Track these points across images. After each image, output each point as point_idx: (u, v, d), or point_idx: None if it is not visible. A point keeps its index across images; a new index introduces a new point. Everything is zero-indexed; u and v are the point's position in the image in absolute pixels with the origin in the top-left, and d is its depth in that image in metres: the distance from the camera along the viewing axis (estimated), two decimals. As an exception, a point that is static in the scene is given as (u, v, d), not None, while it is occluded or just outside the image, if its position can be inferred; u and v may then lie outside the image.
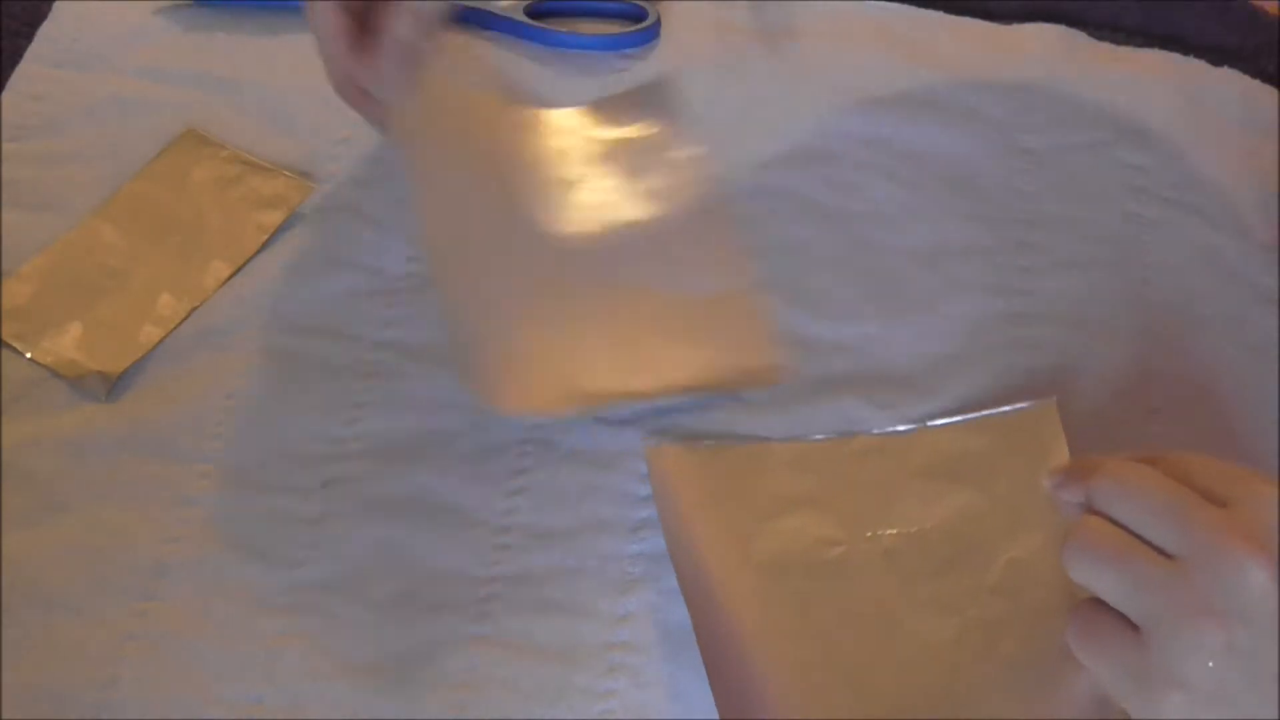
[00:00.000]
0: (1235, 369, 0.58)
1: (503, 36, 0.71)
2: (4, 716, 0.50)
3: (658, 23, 0.70)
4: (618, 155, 0.64)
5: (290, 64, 0.69)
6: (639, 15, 0.71)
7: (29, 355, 0.58)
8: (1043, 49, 0.69)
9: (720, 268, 0.60)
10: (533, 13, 0.71)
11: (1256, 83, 0.69)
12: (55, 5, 0.71)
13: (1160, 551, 0.42)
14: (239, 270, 0.62)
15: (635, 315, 0.59)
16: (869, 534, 0.53)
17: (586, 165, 0.64)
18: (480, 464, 0.56)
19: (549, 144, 0.64)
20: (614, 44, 0.70)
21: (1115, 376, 0.58)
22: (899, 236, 0.63)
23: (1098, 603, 0.43)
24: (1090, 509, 0.44)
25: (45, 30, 0.70)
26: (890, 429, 0.56)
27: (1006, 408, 0.55)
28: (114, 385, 0.58)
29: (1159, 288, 0.61)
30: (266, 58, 0.69)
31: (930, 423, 0.56)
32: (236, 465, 0.56)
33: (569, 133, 0.65)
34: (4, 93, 0.67)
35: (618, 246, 0.61)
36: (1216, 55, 0.69)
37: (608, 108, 0.66)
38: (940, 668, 0.49)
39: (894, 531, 0.53)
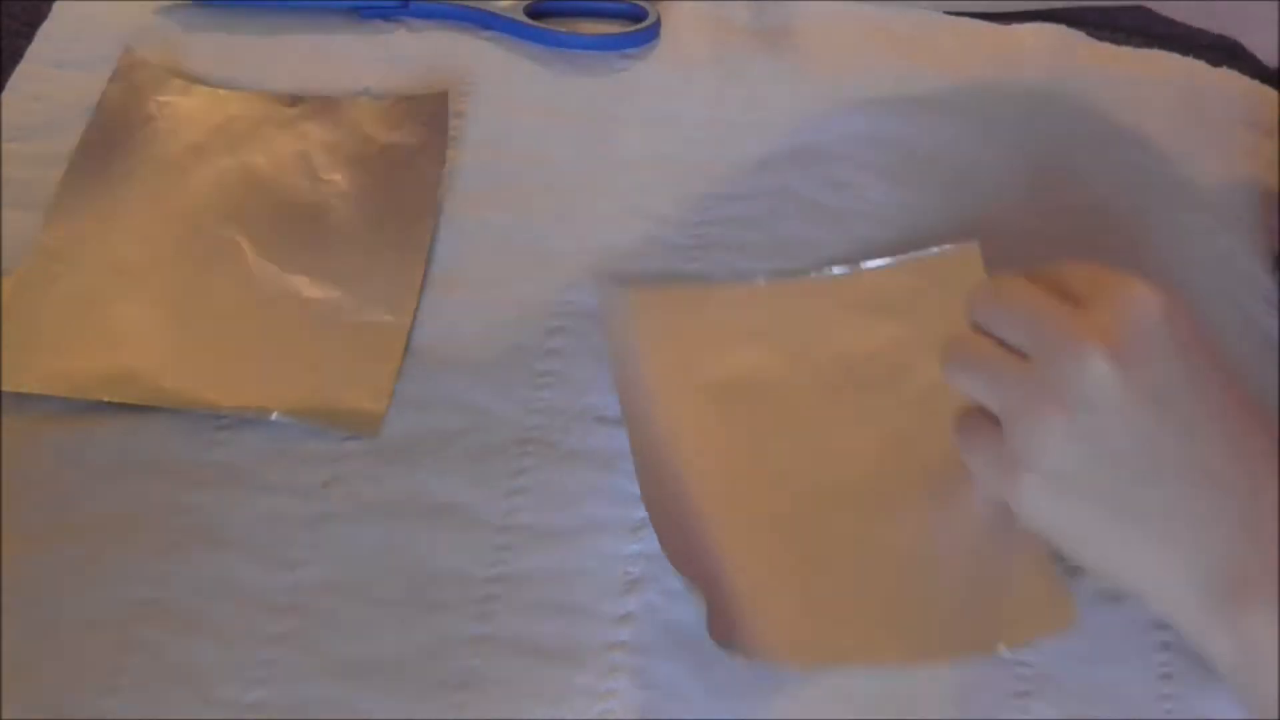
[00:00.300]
0: (1235, 369, 0.58)
1: (503, 36, 0.71)
2: (6, 717, 0.50)
3: (658, 23, 0.70)
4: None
5: (290, 64, 0.69)
6: (639, 15, 0.71)
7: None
8: (1043, 49, 0.69)
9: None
10: (532, 13, 0.71)
11: (1256, 83, 0.69)
12: (55, 5, 0.71)
13: (1021, 353, 0.47)
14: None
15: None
16: (805, 361, 0.58)
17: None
18: (480, 464, 0.56)
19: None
20: (614, 44, 0.70)
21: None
22: (899, 236, 0.63)
23: (975, 407, 0.49)
24: (973, 324, 0.49)
25: (45, 30, 0.70)
26: (828, 271, 0.60)
27: (934, 249, 0.60)
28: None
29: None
30: (266, 58, 0.69)
31: (865, 264, 0.60)
32: (237, 464, 0.56)
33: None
34: (4, 93, 0.67)
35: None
36: (1216, 55, 0.69)
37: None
38: (860, 472, 0.55)
39: (827, 358, 0.58)
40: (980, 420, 0.48)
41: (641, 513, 0.55)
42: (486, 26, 0.71)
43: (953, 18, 0.71)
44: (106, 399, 0.57)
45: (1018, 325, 0.48)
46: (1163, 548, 0.45)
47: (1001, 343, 0.48)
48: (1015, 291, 0.48)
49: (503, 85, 0.69)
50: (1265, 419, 0.47)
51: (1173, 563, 0.45)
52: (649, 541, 0.54)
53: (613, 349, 0.58)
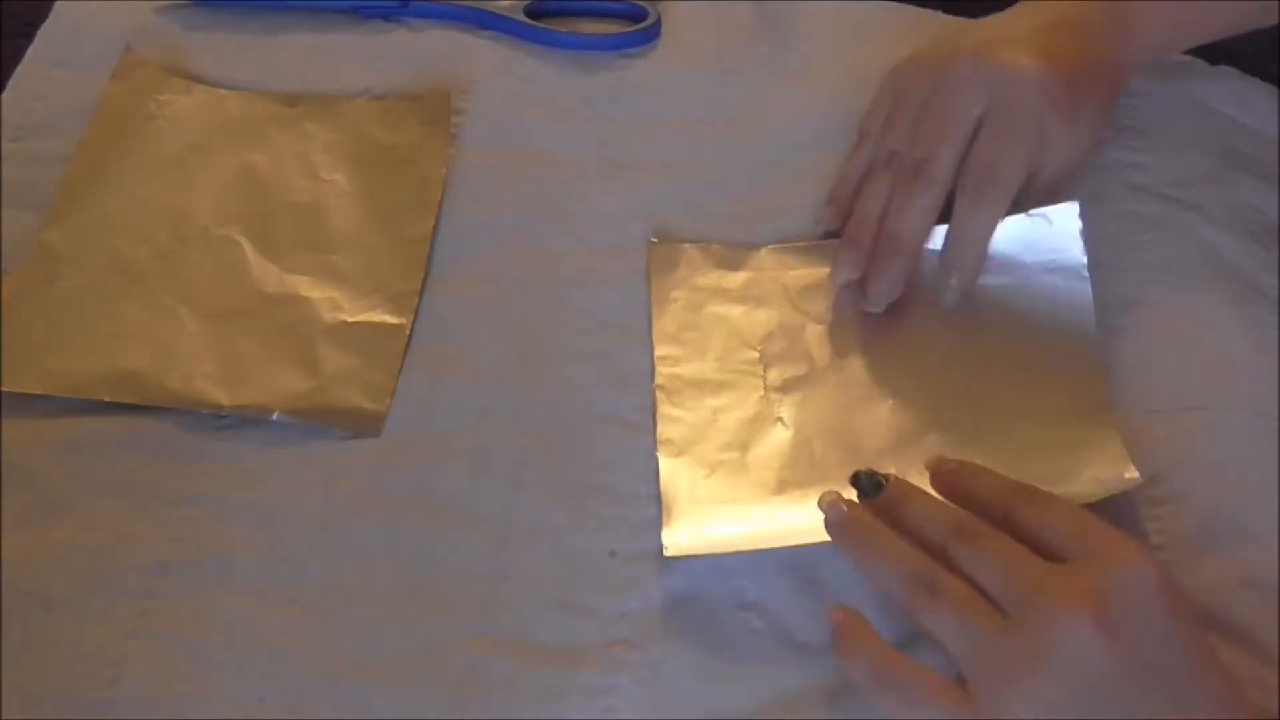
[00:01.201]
0: (1235, 369, 0.58)
1: (503, 36, 0.71)
2: (6, 716, 0.50)
3: (658, 22, 0.70)
4: None
5: (291, 64, 0.69)
6: (639, 15, 0.71)
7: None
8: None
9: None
10: (532, 12, 0.71)
11: (1256, 82, 0.68)
12: (55, 5, 0.71)
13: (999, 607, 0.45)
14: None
15: None
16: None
17: None
18: (481, 463, 0.56)
19: None
20: (614, 44, 0.70)
21: (1114, 376, 0.58)
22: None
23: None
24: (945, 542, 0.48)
25: (46, 30, 0.70)
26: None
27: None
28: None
29: (1160, 286, 0.61)
30: (266, 58, 0.69)
31: None
32: (237, 464, 0.56)
33: None
34: (4, 93, 0.67)
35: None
36: (1216, 55, 0.69)
37: None
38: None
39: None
40: (936, 684, 0.46)
41: (643, 511, 0.55)
42: (486, 26, 0.71)
43: (953, 17, 0.71)
44: (107, 398, 0.57)
45: (994, 573, 0.46)
46: None
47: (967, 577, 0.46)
48: (993, 539, 0.47)
49: (503, 85, 0.69)
50: (1237, 686, 0.45)
51: None
52: (650, 540, 0.54)
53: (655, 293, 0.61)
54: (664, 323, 0.60)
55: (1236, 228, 0.63)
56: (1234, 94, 0.68)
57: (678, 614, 0.52)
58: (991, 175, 0.58)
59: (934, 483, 0.51)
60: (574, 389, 0.58)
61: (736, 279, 0.61)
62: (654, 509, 0.55)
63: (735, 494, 0.55)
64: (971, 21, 0.62)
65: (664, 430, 0.57)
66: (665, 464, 0.56)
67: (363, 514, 0.55)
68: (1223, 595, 0.52)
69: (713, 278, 0.61)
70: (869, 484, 0.51)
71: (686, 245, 0.62)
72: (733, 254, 0.62)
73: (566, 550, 0.54)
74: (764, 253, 0.62)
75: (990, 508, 0.49)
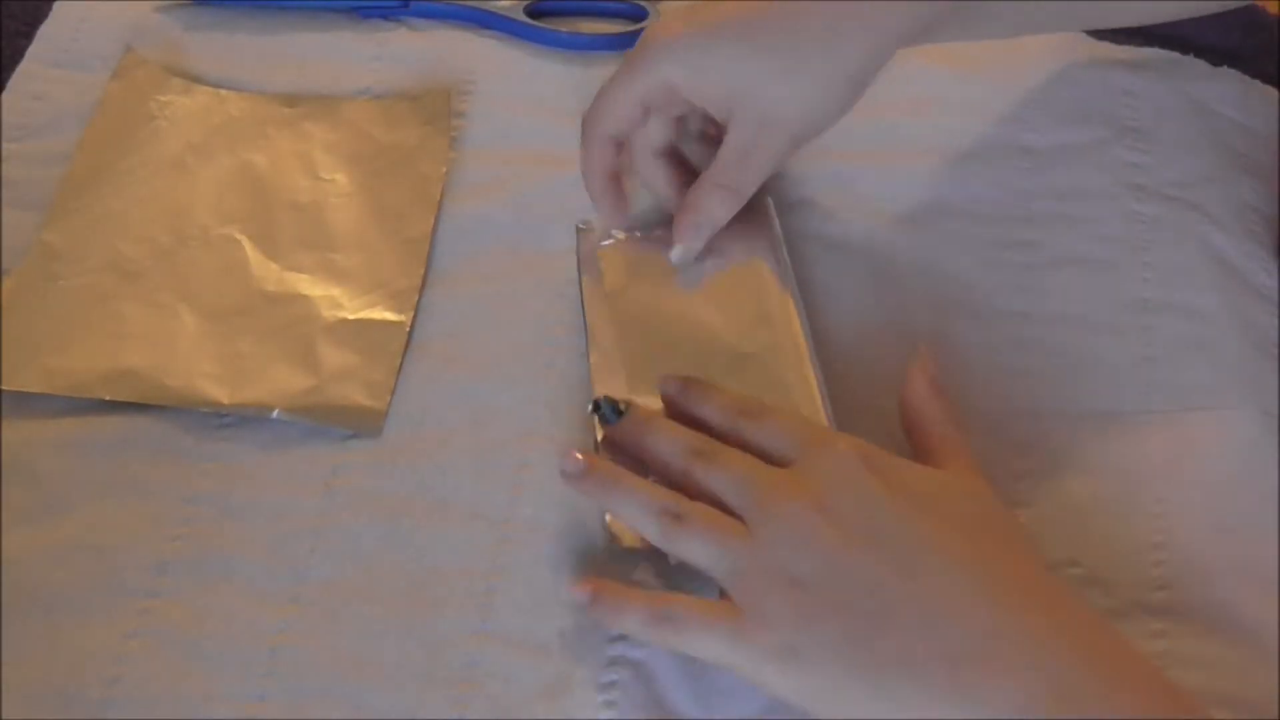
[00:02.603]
0: (1235, 369, 0.58)
1: (503, 36, 0.71)
2: (6, 716, 0.50)
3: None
4: None
5: (291, 64, 0.69)
6: (639, 15, 0.71)
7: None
8: (1043, 48, 0.69)
9: None
10: (533, 12, 0.71)
11: (1256, 82, 0.69)
12: (55, 5, 0.71)
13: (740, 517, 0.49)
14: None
15: None
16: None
17: None
18: (482, 461, 0.56)
19: None
20: (615, 44, 0.70)
21: (1114, 375, 0.58)
22: (898, 234, 0.63)
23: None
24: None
25: (45, 30, 0.70)
26: None
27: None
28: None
29: (1159, 287, 0.61)
30: (266, 58, 0.69)
31: None
32: (238, 463, 0.56)
33: None
34: (4, 93, 0.67)
35: None
36: (1216, 55, 0.69)
37: None
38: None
39: None
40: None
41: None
42: (487, 26, 0.71)
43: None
44: (107, 397, 0.57)
45: (730, 487, 0.50)
46: (903, 701, 0.45)
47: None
48: (725, 456, 0.51)
49: (503, 85, 0.69)
50: (1003, 543, 0.49)
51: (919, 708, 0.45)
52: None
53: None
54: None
55: (1236, 228, 0.63)
56: (1234, 94, 0.68)
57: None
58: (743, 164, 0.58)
59: (666, 408, 0.55)
60: (574, 387, 0.58)
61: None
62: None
63: None
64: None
65: None
66: None
67: (363, 512, 0.55)
68: (1223, 593, 0.52)
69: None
70: (609, 410, 0.54)
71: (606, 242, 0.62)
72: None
73: (567, 549, 0.54)
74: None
75: (721, 427, 0.53)
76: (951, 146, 0.66)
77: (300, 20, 0.71)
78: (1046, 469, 0.56)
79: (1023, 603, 0.46)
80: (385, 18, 0.71)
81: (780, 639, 0.46)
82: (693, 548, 0.49)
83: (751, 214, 0.61)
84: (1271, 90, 0.68)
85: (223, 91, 0.68)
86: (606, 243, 0.62)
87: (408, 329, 0.60)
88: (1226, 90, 0.68)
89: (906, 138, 0.66)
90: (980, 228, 0.63)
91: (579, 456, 0.52)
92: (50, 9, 0.71)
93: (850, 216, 0.63)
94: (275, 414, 0.57)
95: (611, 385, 0.57)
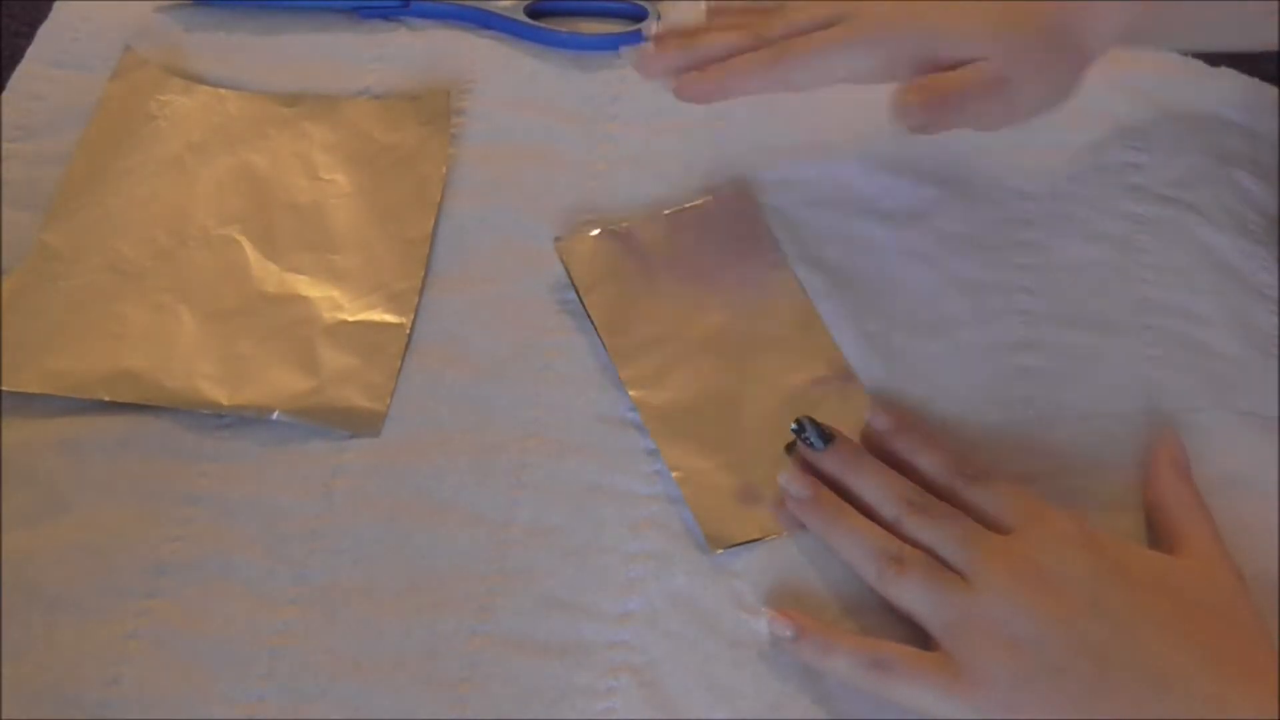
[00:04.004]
0: (1235, 369, 0.58)
1: (503, 36, 0.71)
2: (6, 716, 0.50)
3: (658, 22, 0.70)
4: None
5: (290, 64, 0.69)
6: (639, 15, 0.71)
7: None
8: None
9: None
10: (533, 12, 0.71)
11: (1256, 82, 0.68)
12: (55, 5, 0.71)
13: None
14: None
15: None
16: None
17: None
18: (482, 462, 0.56)
19: None
20: (615, 44, 0.70)
21: (1113, 375, 0.58)
22: (897, 234, 0.63)
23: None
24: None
25: (45, 30, 0.70)
26: None
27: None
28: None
29: (1159, 287, 0.61)
30: (266, 58, 0.69)
31: None
32: (237, 464, 0.56)
33: None
34: (4, 93, 0.67)
35: None
36: (1216, 56, 0.69)
37: None
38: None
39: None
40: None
41: (643, 511, 0.55)
42: (487, 26, 0.71)
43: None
44: (107, 398, 0.57)
45: (948, 544, 0.50)
46: None
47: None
48: (943, 514, 0.51)
49: (503, 85, 0.69)
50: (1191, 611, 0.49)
51: None
52: (650, 540, 0.54)
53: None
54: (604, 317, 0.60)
55: (1236, 228, 0.63)
56: (1233, 94, 0.68)
57: (678, 614, 0.52)
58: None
59: (867, 439, 0.55)
60: (574, 387, 0.58)
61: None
62: (653, 508, 0.55)
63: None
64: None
65: (669, 459, 0.56)
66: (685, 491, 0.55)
67: (363, 513, 0.55)
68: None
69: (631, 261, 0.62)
70: (814, 434, 0.54)
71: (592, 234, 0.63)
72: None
73: (566, 550, 0.54)
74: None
75: (936, 481, 0.53)
76: (950, 147, 0.66)
77: (300, 20, 0.71)
78: (1047, 469, 0.56)
79: (1246, 673, 0.47)
80: (385, 18, 0.71)
81: (997, 697, 0.47)
82: (911, 595, 0.50)
83: (739, 206, 0.62)
84: (1271, 90, 0.68)
85: (222, 91, 0.68)
86: (588, 235, 0.62)
87: (407, 331, 0.60)
88: (1225, 90, 0.68)
89: (905, 137, 0.66)
90: (979, 228, 0.63)
91: (805, 481, 0.53)
92: (50, 9, 0.71)
93: (848, 215, 0.63)
94: (275, 415, 0.57)
95: (633, 372, 0.58)
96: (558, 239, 0.62)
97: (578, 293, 0.60)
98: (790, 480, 0.53)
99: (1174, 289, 0.61)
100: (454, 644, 0.52)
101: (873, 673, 0.49)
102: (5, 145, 0.65)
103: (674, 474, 0.55)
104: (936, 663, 0.48)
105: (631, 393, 0.57)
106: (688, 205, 0.63)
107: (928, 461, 0.54)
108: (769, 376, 0.58)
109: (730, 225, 0.63)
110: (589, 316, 0.60)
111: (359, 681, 0.51)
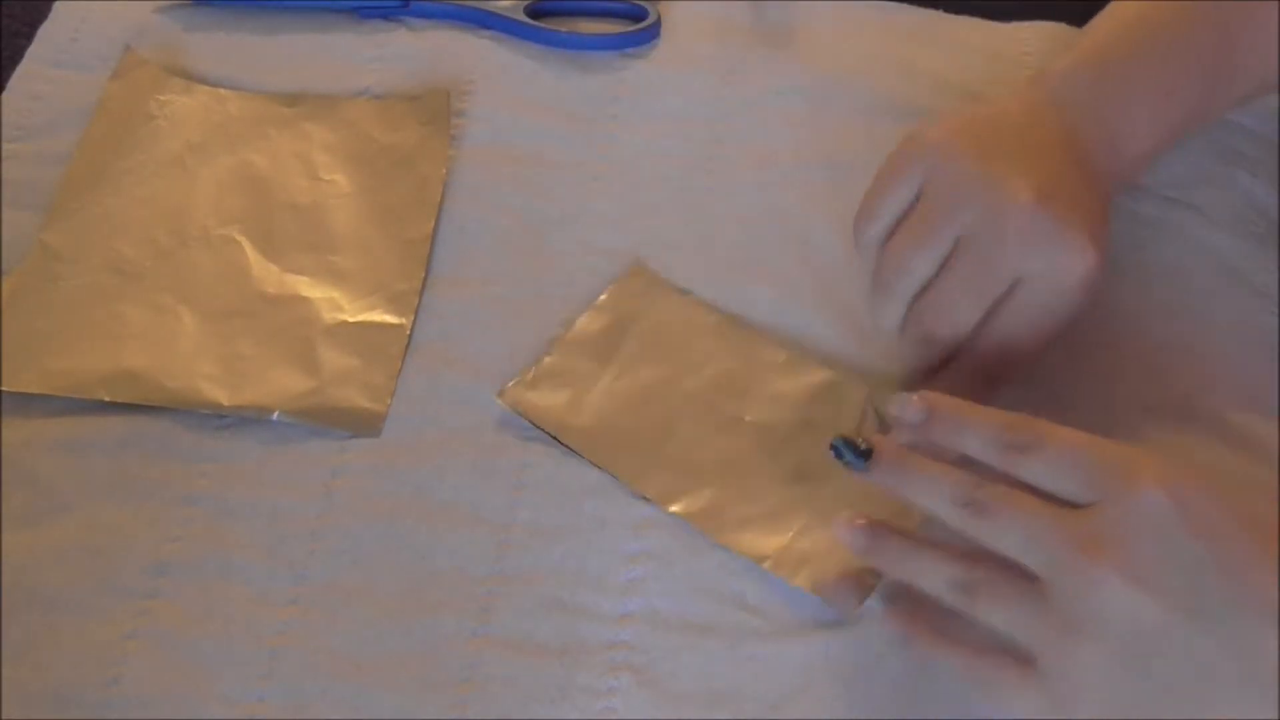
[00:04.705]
0: (1235, 369, 0.58)
1: (503, 36, 0.71)
2: (6, 716, 0.50)
3: (658, 22, 0.70)
4: None
5: (290, 64, 0.69)
6: (639, 15, 0.71)
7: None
8: (1043, 48, 0.69)
9: None
10: (533, 12, 0.71)
11: (1256, 83, 0.68)
12: (55, 5, 0.71)
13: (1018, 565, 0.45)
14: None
15: None
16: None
17: None
18: (482, 463, 0.56)
19: None
20: (615, 44, 0.70)
21: (1114, 376, 0.58)
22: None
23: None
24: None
25: (45, 30, 0.70)
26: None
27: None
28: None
29: (1159, 287, 0.61)
30: (266, 58, 0.69)
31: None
32: (237, 464, 0.56)
33: None
34: (4, 93, 0.67)
35: None
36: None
37: None
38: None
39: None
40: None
41: (643, 511, 0.55)
42: (487, 26, 0.71)
43: (953, 16, 0.71)
44: (107, 398, 0.57)
45: (1018, 544, 0.45)
46: None
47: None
48: (1006, 508, 0.45)
49: (503, 85, 0.69)
50: None
51: None
52: (650, 540, 0.54)
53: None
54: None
55: (1236, 228, 0.63)
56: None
57: (678, 615, 0.52)
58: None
59: (904, 432, 0.50)
60: (574, 389, 0.58)
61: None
62: (653, 509, 0.55)
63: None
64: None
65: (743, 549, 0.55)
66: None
67: (363, 514, 0.55)
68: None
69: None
70: (849, 453, 0.49)
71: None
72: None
73: (566, 550, 0.54)
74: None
75: (989, 464, 0.47)
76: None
77: (300, 20, 0.71)
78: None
79: None
80: (385, 18, 0.71)
81: (1098, 712, 0.44)
82: (993, 619, 0.46)
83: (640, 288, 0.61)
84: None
85: (222, 91, 0.68)
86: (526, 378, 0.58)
87: (408, 332, 0.60)
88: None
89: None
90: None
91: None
92: (50, 9, 0.71)
93: (847, 219, 0.63)
94: (275, 416, 0.57)
95: (657, 487, 0.56)
96: (499, 393, 0.58)
97: (551, 435, 0.57)
98: (848, 529, 0.49)
99: (1174, 289, 0.61)
100: (454, 644, 0.52)
101: (972, 680, 0.47)
102: (5, 145, 0.65)
103: (763, 564, 0.53)
104: (1033, 676, 0.45)
105: (673, 509, 0.55)
106: (592, 305, 0.61)
107: (972, 440, 0.47)
108: (763, 404, 0.57)
109: (640, 305, 0.61)
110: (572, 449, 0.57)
111: (359, 681, 0.51)
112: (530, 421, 0.57)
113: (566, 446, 0.56)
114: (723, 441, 0.57)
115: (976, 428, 0.47)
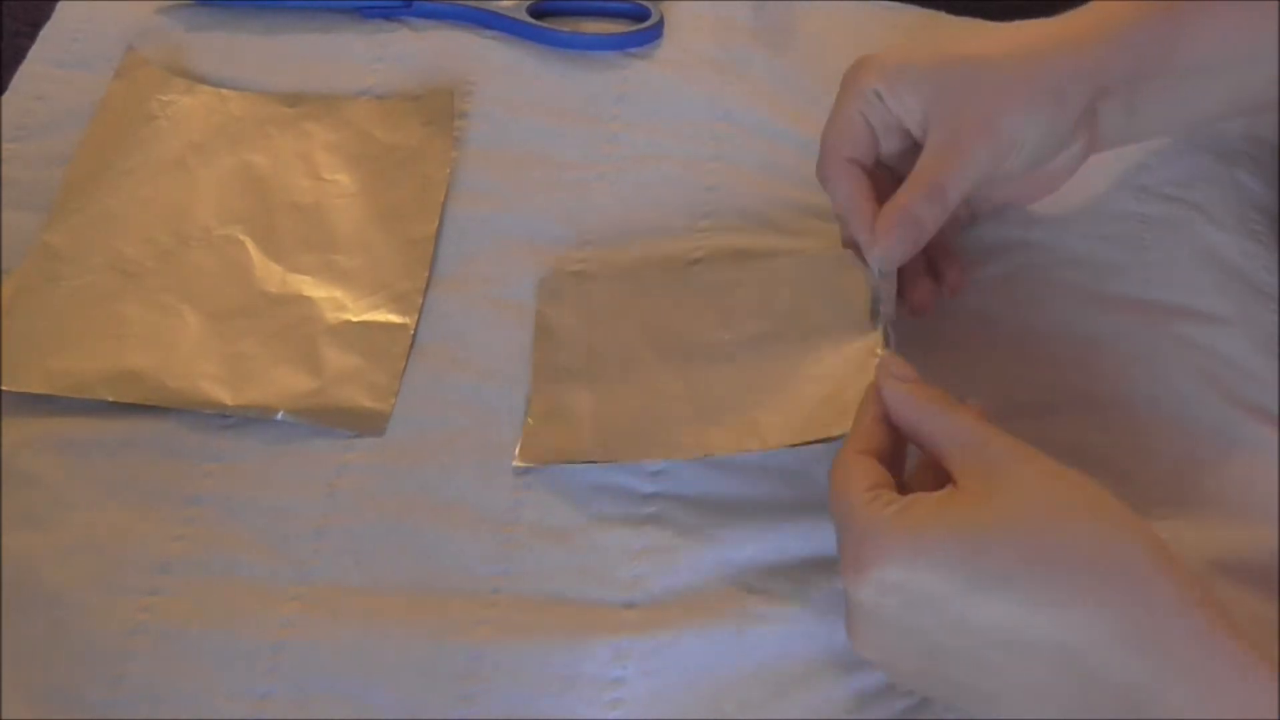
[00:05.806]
0: (1236, 367, 0.58)
1: (505, 36, 0.71)
2: (10, 715, 0.50)
3: (661, 22, 0.71)
4: None
5: (293, 64, 0.69)
6: (642, 15, 0.71)
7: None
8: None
9: None
10: (535, 12, 0.71)
11: (1257, 82, 0.69)
12: (57, 6, 0.71)
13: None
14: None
15: None
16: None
17: None
18: (486, 461, 0.56)
19: None
20: (617, 43, 0.70)
21: (1115, 375, 0.58)
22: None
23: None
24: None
25: (47, 31, 0.70)
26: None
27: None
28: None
29: (1160, 287, 0.61)
30: (268, 58, 0.70)
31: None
32: (241, 463, 0.56)
33: None
34: (6, 93, 0.67)
35: None
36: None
37: None
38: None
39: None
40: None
41: (647, 508, 0.55)
42: (489, 26, 0.71)
43: (953, 16, 0.71)
44: (110, 398, 0.57)
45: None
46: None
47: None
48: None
49: (506, 85, 0.69)
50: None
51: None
52: (654, 536, 0.54)
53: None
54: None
55: (1236, 228, 0.63)
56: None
57: (683, 608, 0.52)
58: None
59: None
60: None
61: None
62: (658, 505, 0.55)
63: None
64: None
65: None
66: None
67: (366, 513, 0.55)
68: (1224, 595, 0.52)
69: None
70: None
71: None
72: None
73: (570, 549, 0.54)
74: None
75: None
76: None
77: (302, 20, 0.71)
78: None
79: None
80: (387, 18, 0.71)
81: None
82: None
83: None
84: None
85: (224, 91, 0.68)
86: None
87: (411, 331, 0.60)
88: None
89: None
90: (981, 228, 0.63)
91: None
92: (52, 9, 0.71)
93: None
94: (279, 415, 0.57)
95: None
96: (515, 459, 0.57)
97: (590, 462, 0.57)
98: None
99: (1176, 288, 0.61)
100: (458, 642, 0.51)
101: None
102: (7, 145, 0.65)
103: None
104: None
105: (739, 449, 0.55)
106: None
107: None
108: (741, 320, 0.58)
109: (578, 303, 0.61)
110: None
111: (363, 679, 0.51)
112: (566, 464, 0.56)
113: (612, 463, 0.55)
114: (723, 370, 0.56)
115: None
